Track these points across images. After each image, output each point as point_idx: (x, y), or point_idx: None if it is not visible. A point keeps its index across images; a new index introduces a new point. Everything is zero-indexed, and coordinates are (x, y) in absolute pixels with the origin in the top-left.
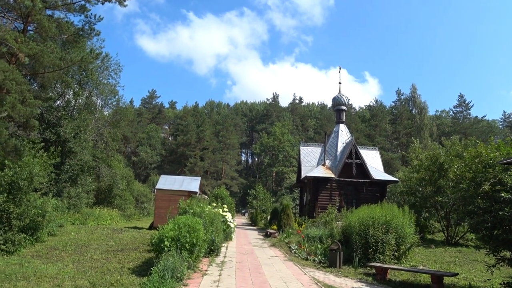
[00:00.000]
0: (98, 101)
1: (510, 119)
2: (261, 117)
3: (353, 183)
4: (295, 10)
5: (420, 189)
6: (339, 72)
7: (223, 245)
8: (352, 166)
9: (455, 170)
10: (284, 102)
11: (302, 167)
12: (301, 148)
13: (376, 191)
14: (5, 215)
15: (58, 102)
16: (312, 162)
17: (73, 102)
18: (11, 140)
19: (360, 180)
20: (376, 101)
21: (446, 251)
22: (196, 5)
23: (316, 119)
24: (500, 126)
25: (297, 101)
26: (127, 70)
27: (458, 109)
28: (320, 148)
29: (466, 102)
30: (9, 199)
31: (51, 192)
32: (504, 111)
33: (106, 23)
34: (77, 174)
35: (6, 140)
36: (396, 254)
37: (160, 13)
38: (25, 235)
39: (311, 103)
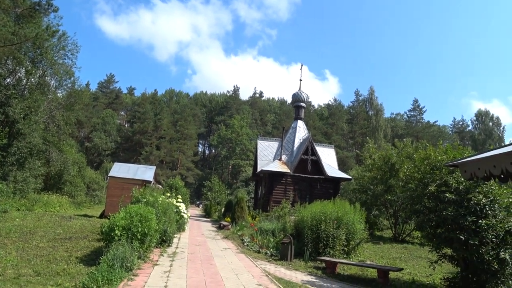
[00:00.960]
0: (52, 81)
1: (459, 125)
2: (221, 109)
3: (307, 179)
4: (261, 2)
5: (372, 187)
6: (301, 69)
7: (175, 236)
8: (307, 162)
9: (405, 170)
10: (245, 95)
11: (259, 161)
12: (259, 142)
13: (330, 188)
14: None
15: (8, 80)
16: (269, 157)
17: (24, 81)
18: None
19: (315, 176)
20: (335, 100)
21: (393, 247)
22: None
23: (275, 114)
24: (450, 132)
25: (257, 95)
26: (84, 51)
27: (412, 113)
28: (277, 143)
29: (420, 107)
30: None
31: None
32: (454, 117)
33: None
34: (25, 158)
35: None
36: (346, 249)
37: None
38: None
39: (271, 98)
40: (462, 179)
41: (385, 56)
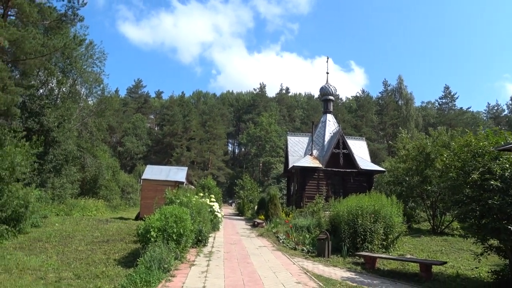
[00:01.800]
0: (83, 90)
1: (494, 111)
2: (248, 107)
3: (340, 173)
4: None
5: (407, 179)
6: (327, 62)
7: (210, 235)
8: (339, 156)
9: (444, 159)
10: (271, 92)
11: (290, 157)
12: (289, 138)
13: (363, 181)
14: None
15: (41, 91)
16: (300, 152)
17: (56, 90)
18: None
19: (347, 170)
20: (363, 91)
21: (433, 240)
22: None
23: (303, 109)
24: (484, 118)
25: (284, 91)
26: (111, 59)
27: (443, 101)
28: (308, 138)
29: (452, 93)
30: None
31: (34, 182)
32: (488, 103)
33: (88, 8)
34: (62, 164)
35: None
36: (384, 243)
37: None
38: (7, 227)
39: (298, 94)
40: (508, 165)
41: (412, 43)
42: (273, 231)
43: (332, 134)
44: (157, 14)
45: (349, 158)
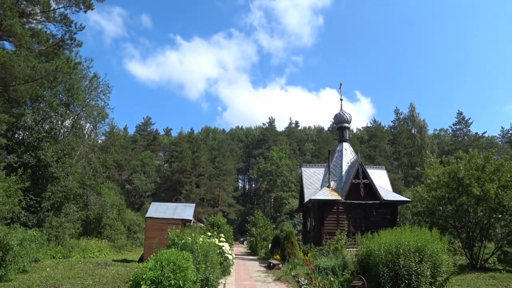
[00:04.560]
0: (87, 124)
1: (509, 135)
2: (258, 142)
3: (361, 205)
4: (283, 31)
5: (440, 208)
6: (340, 88)
7: (220, 281)
8: (359, 186)
9: (495, 185)
10: (280, 126)
11: (305, 190)
12: (303, 169)
13: (387, 213)
14: None
15: (43, 124)
16: (316, 184)
17: (59, 123)
18: None
19: (369, 202)
20: (374, 121)
21: (478, 277)
22: (183, 28)
23: (313, 142)
24: (500, 142)
25: (293, 125)
26: (119, 96)
27: (457, 127)
28: (323, 169)
29: (465, 119)
30: None
31: (30, 221)
32: (502, 127)
33: (94, 47)
34: (61, 202)
35: None
36: (433, 287)
37: (148, 37)
38: None
39: (307, 127)
40: None
41: (419, 69)
42: (292, 274)
43: (350, 164)
44: (163, 51)
45: (370, 189)
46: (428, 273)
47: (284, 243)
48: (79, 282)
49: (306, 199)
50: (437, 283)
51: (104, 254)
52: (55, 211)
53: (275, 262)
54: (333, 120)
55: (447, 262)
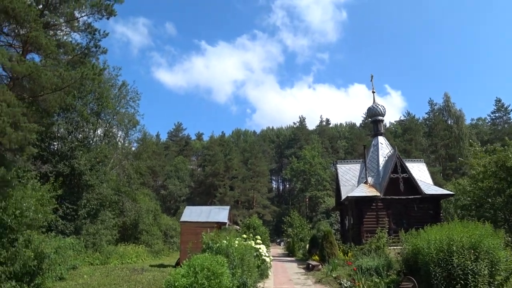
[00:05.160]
0: (120, 132)
1: None
2: (289, 142)
3: (401, 201)
4: (306, 29)
5: (489, 200)
6: (371, 80)
7: (258, 285)
8: (398, 181)
9: None
10: (311, 124)
11: (342, 187)
12: (338, 166)
13: (429, 208)
14: None
15: (76, 134)
16: (352, 181)
17: (91, 132)
18: (0, 170)
19: (410, 197)
20: (408, 114)
21: None
22: (207, 33)
23: (346, 139)
24: None
25: (324, 123)
26: (150, 104)
27: (496, 115)
28: (359, 164)
29: (505, 106)
30: None
31: (67, 229)
32: None
33: (122, 58)
34: (97, 209)
35: None
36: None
37: (174, 44)
38: (17, 283)
39: (339, 124)
40: None
41: (450, 57)
42: (333, 275)
43: (386, 158)
44: (189, 58)
45: (410, 183)
46: (486, 272)
47: (322, 243)
48: None
49: (343, 197)
50: (496, 282)
51: (142, 260)
52: (91, 219)
53: (314, 263)
54: (365, 115)
55: (505, 260)
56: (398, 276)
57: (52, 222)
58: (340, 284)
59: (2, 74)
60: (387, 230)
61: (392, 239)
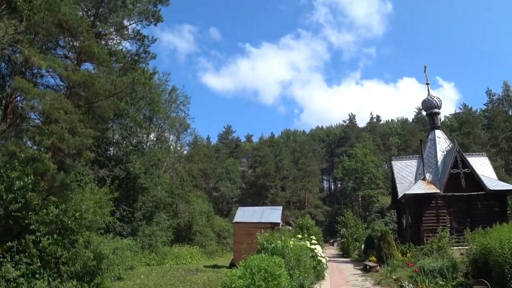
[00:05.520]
0: (171, 136)
1: None
2: (340, 140)
3: (463, 198)
4: (350, 24)
5: None
6: (425, 71)
7: (314, 286)
8: (459, 177)
9: None
10: (361, 122)
11: (398, 185)
12: (393, 163)
13: (494, 205)
14: (53, 260)
15: (131, 139)
16: (409, 178)
17: (144, 137)
18: (60, 175)
19: (472, 194)
20: (465, 106)
21: None
22: (250, 36)
23: (398, 135)
24: None
25: (374, 120)
26: (199, 109)
27: None
28: (416, 160)
29: None
30: (57, 240)
31: (125, 231)
32: None
33: (170, 65)
34: (152, 211)
35: (54, 174)
36: None
37: (219, 49)
38: (78, 283)
39: (390, 120)
40: None
41: (507, 43)
42: (393, 277)
43: (445, 153)
44: (234, 61)
45: (473, 179)
46: None
47: (379, 243)
48: None
49: (399, 195)
50: None
51: (196, 260)
52: (147, 220)
53: (371, 264)
54: (417, 109)
55: None
56: (466, 279)
57: (110, 224)
58: (402, 286)
59: (59, 84)
60: (449, 229)
61: (455, 238)
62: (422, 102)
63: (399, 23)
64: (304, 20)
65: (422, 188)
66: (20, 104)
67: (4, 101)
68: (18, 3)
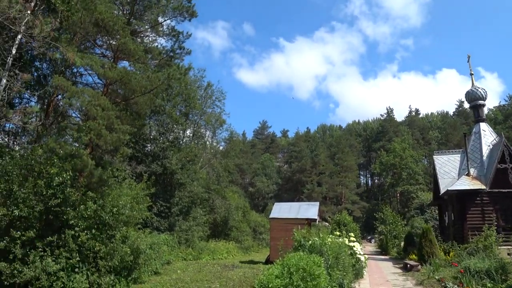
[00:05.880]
0: (207, 132)
1: None
2: (377, 135)
3: (511, 195)
4: (386, 15)
5: None
6: (468, 61)
7: (353, 285)
8: (507, 172)
9: None
10: (399, 116)
11: (440, 180)
12: (435, 157)
13: None
14: (91, 255)
15: (167, 135)
16: (452, 173)
17: (180, 132)
18: (97, 170)
19: None
20: (510, 97)
21: None
22: (284, 30)
23: (438, 129)
24: None
25: (413, 114)
26: (234, 104)
27: None
28: (459, 155)
29: None
30: (95, 235)
31: (162, 226)
32: None
33: (205, 62)
34: (189, 207)
35: (92, 170)
36: None
37: (253, 44)
38: (116, 277)
39: (429, 113)
40: None
41: None
42: (436, 277)
43: (491, 146)
44: (268, 56)
45: None
46: None
47: (421, 241)
48: (207, 286)
49: (441, 191)
50: None
51: (232, 255)
52: (184, 216)
53: (412, 263)
54: (458, 102)
55: None
56: None
57: (147, 219)
58: (445, 287)
59: (97, 82)
60: (495, 228)
61: (502, 237)
62: (466, 94)
63: (439, 12)
64: (338, 13)
65: (466, 184)
66: (61, 103)
67: (46, 100)
68: (57, 4)
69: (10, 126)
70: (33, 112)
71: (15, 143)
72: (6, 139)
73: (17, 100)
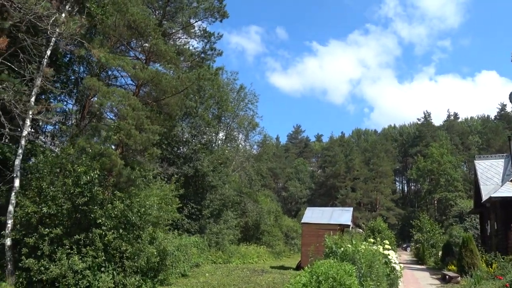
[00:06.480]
0: (240, 135)
1: None
2: (414, 140)
3: None
4: (422, 16)
5: None
6: None
7: None
8: None
9: None
10: (437, 120)
11: (482, 187)
12: (477, 162)
13: None
14: (117, 254)
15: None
16: (495, 179)
17: (213, 135)
18: (126, 170)
19: None
20: None
21: None
22: (316, 34)
23: (479, 134)
24: None
25: (452, 118)
26: (268, 109)
27: None
28: (503, 160)
29: None
30: (122, 235)
31: (192, 228)
32: None
33: (239, 66)
34: (220, 210)
35: (120, 169)
36: None
37: (286, 48)
38: (142, 278)
39: (469, 118)
40: None
41: None
42: None
43: None
44: (301, 60)
45: None
46: None
47: (461, 251)
48: None
49: (483, 198)
50: None
51: (263, 260)
52: (215, 218)
53: (451, 274)
54: (500, 105)
55: None
56: None
57: (178, 221)
58: None
59: (129, 83)
60: None
61: None
62: (510, 95)
63: (477, 11)
64: (372, 15)
65: (511, 190)
66: (95, 105)
67: (82, 102)
68: (92, 8)
69: (47, 128)
70: (56, 108)
71: (52, 144)
72: (44, 139)
73: (53, 101)
